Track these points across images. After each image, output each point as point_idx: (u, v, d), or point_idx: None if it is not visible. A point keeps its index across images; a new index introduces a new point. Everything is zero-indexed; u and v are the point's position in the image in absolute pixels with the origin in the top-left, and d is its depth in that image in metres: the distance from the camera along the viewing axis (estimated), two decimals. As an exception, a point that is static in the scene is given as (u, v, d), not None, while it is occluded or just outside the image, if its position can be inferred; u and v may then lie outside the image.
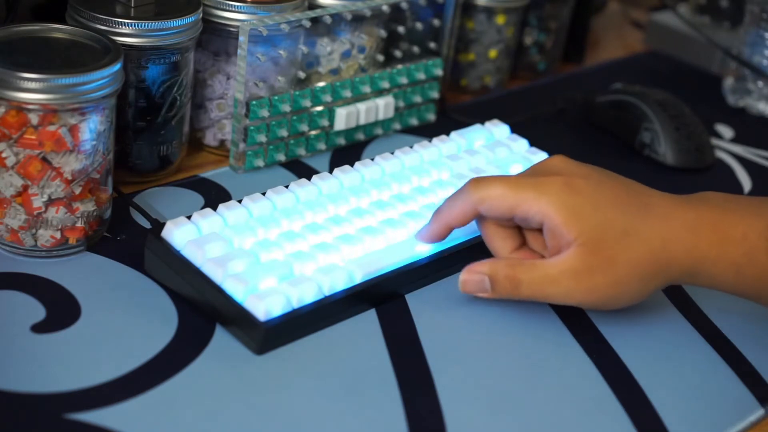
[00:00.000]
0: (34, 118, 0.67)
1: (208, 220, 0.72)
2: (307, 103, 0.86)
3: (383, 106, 0.91)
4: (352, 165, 0.81)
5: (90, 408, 0.60)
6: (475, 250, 0.77)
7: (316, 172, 0.85)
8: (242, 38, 0.81)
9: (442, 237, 0.73)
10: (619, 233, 0.68)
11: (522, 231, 0.73)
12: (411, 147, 0.85)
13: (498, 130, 0.90)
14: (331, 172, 0.80)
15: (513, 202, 0.69)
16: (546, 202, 0.68)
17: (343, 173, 0.80)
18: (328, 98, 0.88)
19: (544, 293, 0.70)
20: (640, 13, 1.34)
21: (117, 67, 0.70)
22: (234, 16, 0.83)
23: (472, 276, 0.71)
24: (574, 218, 0.68)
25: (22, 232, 0.71)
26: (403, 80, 0.93)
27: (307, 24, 0.84)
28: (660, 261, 0.69)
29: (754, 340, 0.74)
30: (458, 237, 0.76)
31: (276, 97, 0.84)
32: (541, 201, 0.69)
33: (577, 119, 1.03)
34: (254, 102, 0.83)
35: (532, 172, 0.73)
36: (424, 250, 0.74)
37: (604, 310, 0.73)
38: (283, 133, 0.86)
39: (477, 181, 0.70)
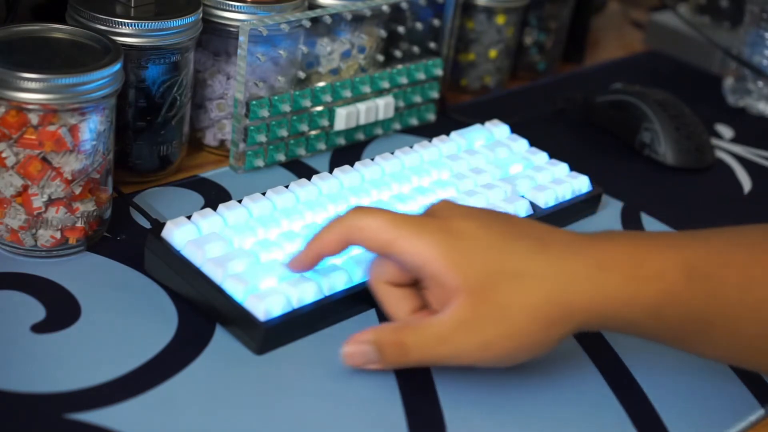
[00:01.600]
0: (34, 118, 0.67)
1: (208, 220, 0.72)
2: (307, 103, 0.86)
3: (383, 106, 0.91)
4: (352, 165, 0.81)
5: (90, 408, 0.60)
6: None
7: (316, 172, 0.85)
8: (242, 38, 0.81)
9: (312, 265, 0.67)
10: (511, 276, 0.60)
11: (420, 291, 0.65)
12: (411, 147, 0.85)
13: (498, 130, 0.90)
14: (331, 172, 0.80)
15: (390, 237, 0.62)
16: (424, 243, 0.61)
17: (343, 173, 0.80)
18: (328, 98, 0.88)
19: (436, 355, 0.62)
20: (640, 13, 1.34)
21: (117, 67, 0.70)
22: (234, 16, 0.83)
23: (357, 347, 0.64)
24: (457, 263, 0.60)
25: (22, 232, 0.71)
26: (403, 80, 0.93)
27: (307, 24, 0.84)
28: (561, 305, 0.60)
29: (754, 340, 0.74)
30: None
31: (276, 97, 0.84)
32: (420, 242, 0.61)
33: (577, 119, 1.03)
34: (254, 102, 0.83)
35: (418, 215, 0.65)
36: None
37: (506, 365, 0.64)
38: (283, 133, 0.86)
39: (357, 210, 0.64)
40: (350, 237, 0.64)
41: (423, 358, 0.62)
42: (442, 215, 0.63)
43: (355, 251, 0.72)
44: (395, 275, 0.64)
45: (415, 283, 0.65)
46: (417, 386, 0.66)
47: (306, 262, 0.67)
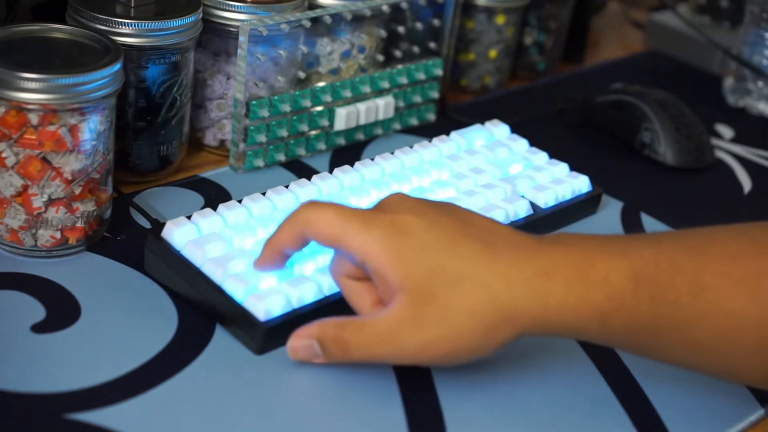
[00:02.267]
0: (34, 118, 0.67)
1: (208, 220, 0.72)
2: (307, 103, 0.86)
3: (383, 106, 0.91)
4: (352, 165, 0.81)
5: (90, 408, 0.60)
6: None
7: (316, 172, 0.85)
8: (242, 38, 0.81)
9: (276, 263, 0.67)
10: (453, 278, 0.60)
11: None
12: (411, 147, 0.85)
13: (498, 130, 0.90)
14: (331, 172, 0.80)
15: (338, 232, 0.62)
16: (369, 238, 0.61)
17: (343, 173, 0.80)
18: (328, 98, 0.88)
19: (376, 354, 0.61)
20: (640, 13, 1.34)
21: (117, 67, 0.70)
22: (234, 16, 0.83)
23: (301, 341, 0.63)
24: (400, 260, 0.60)
25: (22, 232, 0.71)
26: (403, 80, 0.93)
27: (307, 24, 0.84)
28: (504, 309, 0.60)
29: (754, 340, 0.74)
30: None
31: (276, 97, 0.84)
32: (364, 236, 0.61)
33: (577, 119, 1.03)
34: (254, 102, 0.83)
35: (368, 209, 0.64)
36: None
37: (445, 367, 0.64)
38: (283, 133, 0.86)
39: (309, 204, 0.64)
40: (303, 231, 0.63)
41: (364, 356, 0.62)
42: (391, 209, 0.63)
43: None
44: (352, 269, 0.64)
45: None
46: (417, 386, 0.66)
47: (269, 260, 0.67)
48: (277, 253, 0.66)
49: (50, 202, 0.70)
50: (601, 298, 0.60)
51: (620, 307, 0.60)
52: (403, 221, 0.61)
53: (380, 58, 0.92)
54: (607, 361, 0.70)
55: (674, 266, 0.61)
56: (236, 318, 0.67)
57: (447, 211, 0.64)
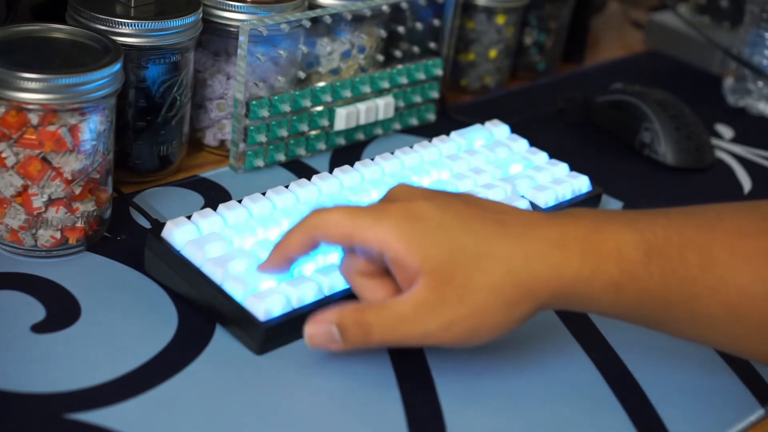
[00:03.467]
0: (34, 118, 0.67)
1: (208, 220, 0.72)
2: (307, 103, 0.86)
3: (383, 106, 0.91)
4: (352, 165, 0.81)
5: (90, 408, 0.60)
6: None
7: (316, 172, 0.85)
8: (242, 38, 0.81)
9: (282, 268, 0.67)
10: (471, 256, 0.60)
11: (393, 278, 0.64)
12: (411, 147, 0.85)
13: (498, 130, 0.90)
14: (331, 172, 0.80)
15: (350, 229, 0.62)
16: (384, 228, 0.61)
17: (343, 173, 0.80)
18: (328, 98, 0.88)
19: (399, 335, 0.62)
20: (640, 13, 1.34)
21: (117, 67, 0.70)
22: (234, 16, 0.83)
23: (319, 327, 0.63)
24: (417, 244, 0.61)
25: (22, 232, 0.71)
26: (403, 80, 0.93)
27: (307, 24, 0.84)
28: (523, 283, 0.60)
29: (754, 340, 0.74)
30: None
31: (276, 97, 0.84)
32: (378, 227, 0.61)
33: (577, 119, 1.03)
34: (254, 102, 0.83)
35: (376, 203, 0.65)
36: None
37: (467, 347, 0.64)
38: (283, 133, 0.86)
39: (316, 210, 0.64)
40: (314, 235, 0.64)
41: (386, 338, 0.62)
42: (400, 198, 0.64)
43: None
44: (364, 266, 0.64)
45: (387, 272, 0.64)
46: (417, 386, 0.66)
47: (276, 265, 0.67)
48: (284, 259, 0.66)
49: (50, 202, 0.70)
50: (614, 269, 0.61)
51: (632, 279, 0.61)
52: (414, 207, 0.62)
53: (380, 58, 0.92)
54: (607, 360, 0.70)
55: (684, 240, 0.62)
56: (236, 318, 0.67)
57: (454, 195, 0.65)
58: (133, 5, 0.78)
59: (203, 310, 0.69)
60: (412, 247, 0.61)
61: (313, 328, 0.63)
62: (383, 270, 0.64)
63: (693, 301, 0.62)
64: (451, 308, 0.60)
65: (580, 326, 0.73)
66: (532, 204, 0.81)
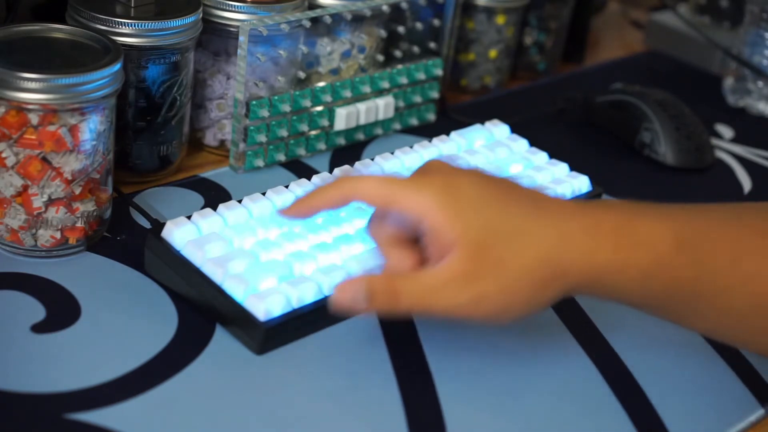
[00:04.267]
0: (34, 118, 0.67)
1: (208, 220, 0.72)
2: (307, 103, 0.86)
3: (383, 106, 0.91)
4: (352, 165, 0.81)
5: (90, 408, 0.60)
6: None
7: (316, 172, 0.85)
8: (242, 38, 0.81)
9: (303, 216, 0.68)
10: (508, 233, 0.61)
11: (421, 248, 0.65)
12: (411, 147, 0.85)
13: (498, 130, 0.90)
14: (331, 172, 0.80)
15: (389, 193, 0.63)
16: (425, 196, 0.62)
17: (343, 173, 0.80)
18: (328, 98, 0.88)
19: (427, 304, 0.62)
20: (640, 13, 1.34)
21: (117, 67, 0.70)
22: (234, 16, 0.83)
23: (348, 290, 0.63)
24: (456, 216, 0.61)
25: (22, 232, 0.71)
26: (403, 80, 0.93)
27: (307, 24, 0.84)
28: (555, 266, 0.61)
29: (754, 340, 0.74)
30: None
31: (276, 97, 0.84)
32: (420, 195, 0.62)
33: (577, 119, 1.03)
34: (254, 102, 0.83)
35: (413, 175, 0.66)
36: None
37: (495, 324, 0.64)
38: (283, 133, 0.86)
39: (354, 175, 0.65)
40: (352, 193, 0.64)
41: (414, 306, 0.62)
42: (440, 172, 0.64)
43: (354, 251, 0.72)
44: (394, 233, 0.65)
45: (415, 241, 0.65)
46: (417, 387, 0.66)
47: (298, 213, 0.67)
48: (310, 209, 0.67)
49: (50, 202, 0.70)
50: (644, 258, 0.61)
51: (662, 269, 0.62)
52: (456, 181, 0.63)
53: (380, 58, 0.93)
54: (607, 360, 0.70)
55: (715, 233, 0.63)
56: (236, 318, 0.67)
57: (490, 176, 0.65)
58: (133, 5, 0.78)
59: (203, 310, 0.69)
60: (451, 218, 0.61)
61: (341, 291, 0.63)
62: (412, 239, 0.65)
63: (721, 293, 0.63)
64: (483, 283, 0.61)
65: (580, 326, 0.73)
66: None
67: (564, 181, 0.84)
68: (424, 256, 0.64)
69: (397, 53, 0.94)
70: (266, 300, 0.66)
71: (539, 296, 0.62)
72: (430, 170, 0.65)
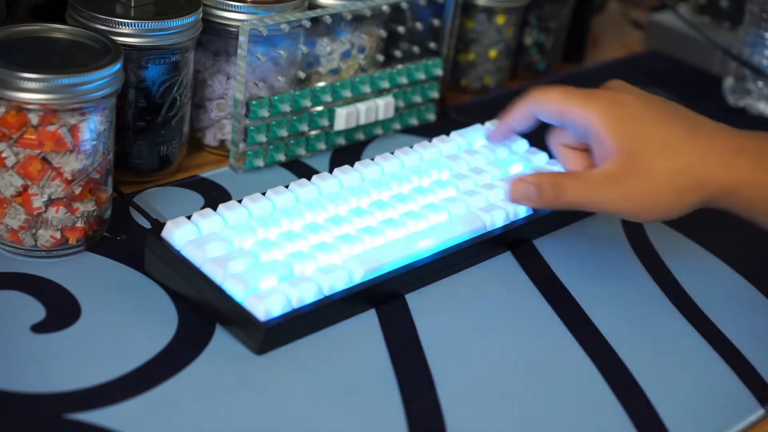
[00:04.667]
0: (34, 118, 0.67)
1: (208, 220, 0.72)
2: (307, 103, 0.86)
3: (383, 106, 0.91)
4: (352, 165, 0.81)
5: (90, 408, 0.60)
6: (475, 250, 0.77)
7: (316, 172, 0.85)
8: (242, 38, 0.81)
9: (506, 137, 0.84)
10: (659, 144, 0.71)
11: (590, 155, 0.76)
12: (411, 147, 0.85)
13: (498, 130, 0.90)
14: (331, 172, 0.80)
15: (563, 107, 0.74)
16: (592, 109, 0.73)
17: (343, 173, 0.80)
18: (328, 98, 0.88)
19: (586, 199, 0.72)
20: (640, 13, 1.34)
21: (117, 67, 0.70)
22: (234, 16, 0.83)
23: (520, 184, 0.74)
24: (616, 127, 0.72)
25: (22, 232, 0.71)
26: (403, 80, 0.93)
27: (307, 24, 0.84)
28: (698, 175, 0.71)
29: (755, 340, 0.74)
30: (460, 236, 0.76)
31: (276, 97, 0.84)
32: (588, 108, 0.73)
33: (577, 119, 1.03)
34: (254, 102, 0.83)
35: (591, 89, 0.76)
36: (427, 245, 0.74)
37: (642, 220, 0.78)
38: (283, 133, 0.86)
39: (538, 88, 0.77)
40: (533, 109, 0.77)
41: (576, 199, 0.72)
42: (613, 88, 0.75)
43: (355, 252, 0.72)
44: (569, 139, 0.77)
45: (586, 149, 0.76)
46: (417, 386, 0.66)
47: (500, 133, 0.83)
48: (509, 130, 0.82)
49: (50, 202, 0.70)
50: None
51: None
52: (621, 97, 0.74)
53: (380, 58, 0.93)
54: (607, 360, 0.70)
55: None
56: (236, 318, 0.67)
57: (658, 97, 0.76)
58: (133, 5, 0.78)
59: (203, 310, 0.69)
60: (612, 128, 0.72)
61: (515, 185, 0.75)
62: (584, 146, 0.76)
63: None
64: (633, 182, 0.71)
65: (581, 327, 0.73)
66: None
67: (564, 181, 0.84)
68: (591, 162, 0.76)
69: (397, 53, 0.94)
70: (266, 300, 0.66)
71: (679, 201, 0.71)
72: (606, 87, 0.76)
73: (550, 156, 0.88)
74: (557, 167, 0.86)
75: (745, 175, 0.71)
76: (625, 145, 0.71)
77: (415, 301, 0.73)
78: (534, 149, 0.88)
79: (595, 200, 0.72)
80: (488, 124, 0.91)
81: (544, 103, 0.76)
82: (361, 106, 0.90)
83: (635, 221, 0.81)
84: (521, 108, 0.78)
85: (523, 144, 0.89)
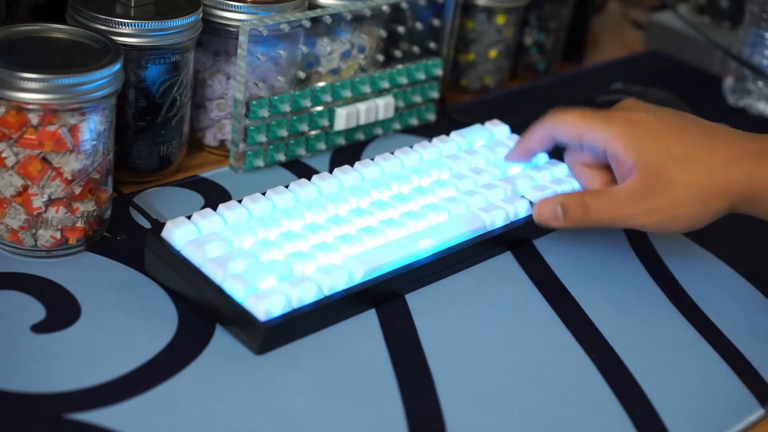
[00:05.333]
0: (34, 118, 0.67)
1: (208, 220, 0.72)
2: (307, 103, 0.86)
3: (383, 106, 0.91)
4: (352, 165, 0.81)
5: (90, 408, 0.60)
6: (475, 250, 0.77)
7: (316, 172, 0.85)
8: (242, 38, 0.81)
9: (524, 158, 0.84)
10: (678, 158, 0.73)
11: (610, 172, 0.79)
12: (411, 147, 0.85)
13: (498, 130, 0.90)
14: (331, 172, 0.80)
15: (581, 129, 0.77)
16: (609, 131, 0.75)
17: (343, 173, 0.80)
18: (328, 98, 0.88)
19: (611, 215, 0.74)
20: (640, 13, 1.34)
21: (117, 67, 0.70)
22: (234, 16, 0.83)
23: (547, 205, 0.76)
24: (634, 145, 0.74)
25: (22, 232, 0.71)
26: (403, 80, 0.93)
27: (307, 24, 0.84)
28: (719, 183, 0.72)
29: (755, 340, 0.74)
30: (460, 236, 0.76)
31: (276, 97, 0.84)
32: (605, 130, 0.75)
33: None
34: (254, 102, 0.83)
35: (608, 111, 0.78)
36: (427, 245, 0.74)
37: (668, 233, 0.78)
38: (283, 133, 0.86)
39: (556, 112, 0.79)
40: (552, 132, 0.79)
41: (602, 217, 0.75)
42: (627, 108, 0.78)
43: (355, 252, 0.72)
44: (587, 158, 0.79)
45: (605, 167, 0.79)
46: (417, 386, 0.66)
47: (520, 156, 0.84)
48: (527, 152, 0.83)
49: (50, 202, 0.70)
50: None
51: None
52: (636, 117, 0.76)
53: (380, 58, 0.93)
54: (607, 361, 0.70)
55: None
56: (236, 318, 0.67)
57: (673, 110, 0.78)
58: (133, 5, 0.78)
59: (203, 310, 0.69)
60: (630, 147, 0.74)
61: (542, 205, 0.77)
62: (602, 165, 0.79)
63: None
64: (656, 198, 0.73)
65: (581, 327, 0.73)
66: (532, 204, 0.81)
67: (564, 181, 0.84)
68: (612, 179, 0.78)
69: (397, 53, 0.94)
70: (266, 300, 0.66)
71: (703, 211, 0.73)
72: (620, 107, 0.78)
73: (551, 156, 0.88)
74: (558, 167, 0.86)
75: (764, 180, 0.72)
76: (645, 163, 0.73)
77: (415, 301, 0.73)
78: (554, 161, 0.88)
79: (621, 216, 0.74)
80: (488, 124, 0.91)
81: (561, 126, 0.78)
82: (361, 106, 0.90)
83: (662, 234, 0.82)
84: (539, 131, 0.80)
85: (542, 157, 0.88)
